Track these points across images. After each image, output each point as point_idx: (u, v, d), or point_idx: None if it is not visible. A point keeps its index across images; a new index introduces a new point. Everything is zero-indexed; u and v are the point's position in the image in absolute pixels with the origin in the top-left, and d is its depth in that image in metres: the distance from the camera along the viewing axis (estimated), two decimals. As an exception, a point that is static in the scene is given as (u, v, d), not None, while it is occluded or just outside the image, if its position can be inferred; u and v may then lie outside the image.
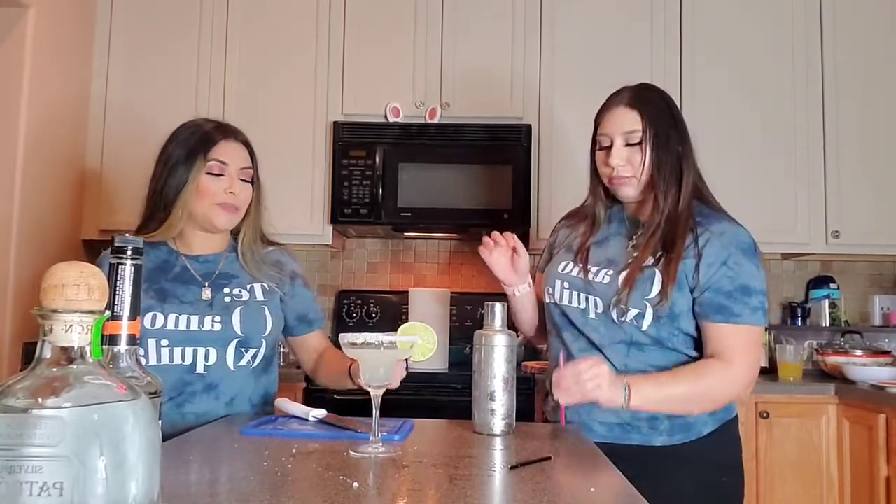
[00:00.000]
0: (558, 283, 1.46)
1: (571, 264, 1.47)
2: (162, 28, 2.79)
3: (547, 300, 1.49)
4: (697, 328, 1.37)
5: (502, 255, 1.47)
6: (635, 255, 1.39)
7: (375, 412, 1.07)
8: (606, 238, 1.49)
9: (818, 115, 2.72)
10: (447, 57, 2.75)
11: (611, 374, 1.24)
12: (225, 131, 1.48)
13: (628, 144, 1.40)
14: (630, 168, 1.40)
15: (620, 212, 1.51)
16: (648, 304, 1.34)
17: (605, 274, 1.41)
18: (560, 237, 1.58)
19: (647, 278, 1.36)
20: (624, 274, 1.37)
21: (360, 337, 1.08)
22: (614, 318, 1.37)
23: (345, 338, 1.08)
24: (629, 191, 1.43)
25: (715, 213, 1.43)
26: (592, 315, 1.40)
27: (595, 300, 1.39)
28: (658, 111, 1.42)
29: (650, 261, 1.37)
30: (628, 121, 1.40)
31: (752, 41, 2.75)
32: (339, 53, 2.77)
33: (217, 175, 1.44)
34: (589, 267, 1.44)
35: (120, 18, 2.79)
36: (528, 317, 1.57)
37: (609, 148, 1.42)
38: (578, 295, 1.42)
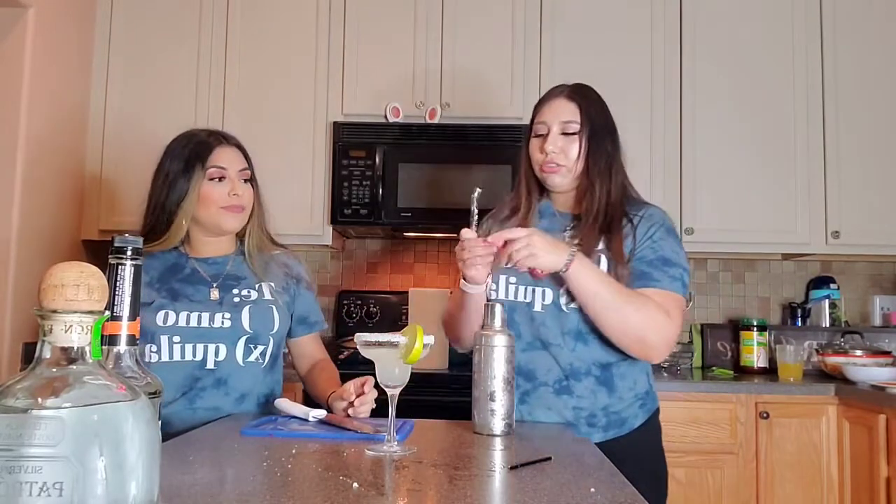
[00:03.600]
0: (503, 278, 1.45)
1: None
2: (161, 28, 2.79)
3: (491, 297, 1.46)
4: None
5: (486, 257, 1.35)
6: (577, 242, 1.41)
7: (392, 411, 1.08)
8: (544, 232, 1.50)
9: (818, 116, 2.71)
10: (447, 57, 2.75)
11: (546, 240, 1.27)
12: (218, 137, 1.53)
13: (564, 134, 1.44)
14: (564, 157, 1.44)
15: (550, 207, 1.53)
16: None
17: None
18: (492, 234, 1.56)
19: (594, 262, 1.38)
20: None
21: (375, 337, 1.09)
22: (562, 306, 1.39)
23: (360, 337, 1.09)
24: (559, 179, 1.45)
25: (644, 204, 1.49)
26: (538, 308, 1.41)
27: (543, 291, 1.40)
28: (595, 109, 1.47)
29: (599, 245, 1.40)
30: (567, 111, 1.45)
31: (752, 41, 2.75)
32: (339, 53, 2.77)
33: (219, 180, 1.48)
34: None
35: (120, 17, 2.79)
36: (478, 316, 1.46)
37: (545, 136, 1.45)
38: (525, 289, 1.42)
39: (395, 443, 1.05)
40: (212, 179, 1.47)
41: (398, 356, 1.08)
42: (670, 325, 1.33)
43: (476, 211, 1.33)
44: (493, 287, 1.44)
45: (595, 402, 1.40)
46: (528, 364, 1.42)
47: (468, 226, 1.34)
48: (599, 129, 1.45)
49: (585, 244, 1.39)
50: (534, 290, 1.41)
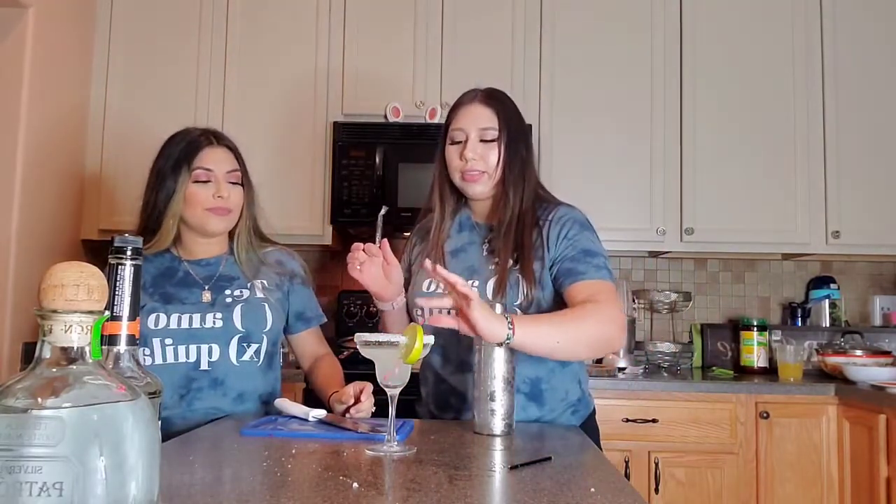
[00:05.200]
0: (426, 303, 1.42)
1: (434, 282, 1.43)
2: (161, 28, 2.79)
3: (418, 321, 1.43)
4: None
5: (374, 266, 1.36)
6: (495, 260, 1.38)
7: (392, 411, 1.08)
8: (462, 247, 1.47)
9: (818, 116, 2.72)
10: (447, 57, 2.75)
11: (487, 309, 1.16)
12: (209, 137, 1.51)
13: (483, 140, 1.42)
14: (484, 164, 1.41)
15: (470, 219, 1.50)
16: (518, 310, 1.34)
17: (472, 285, 1.37)
18: (415, 254, 1.54)
19: (514, 283, 1.36)
20: (492, 281, 1.36)
21: (375, 336, 1.09)
22: None
23: (360, 337, 1.09)
24: (480, 187, 1.43)
25: (553, 204, 1.46)
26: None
27: None
28: (511, 113, 1.45)
29: (510, 262, 1.37)
30: (484, 117, 1.42)
31: (752, 42, 2.75)
32: (339, 53, 2.77)
33: (204, 182, 1.47)
34: None
35: (120, 18, 2.79)
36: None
37: (464, 143, 1.42)
38: (448, 312, 1.37)
39: (395, 443, 1.05)
40: (197, 181, 1.47)
41: (398, 356, 1.08)
42: (613, 313, 1.28)
43: (380, 231, 1.32)
44: (420, 312, 1.41)
45: (526, 418, 1.38)
46: (459, 386, 1.41)
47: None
48: (516, 135, 1.43)
49: (502, 262, 1.36)
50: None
